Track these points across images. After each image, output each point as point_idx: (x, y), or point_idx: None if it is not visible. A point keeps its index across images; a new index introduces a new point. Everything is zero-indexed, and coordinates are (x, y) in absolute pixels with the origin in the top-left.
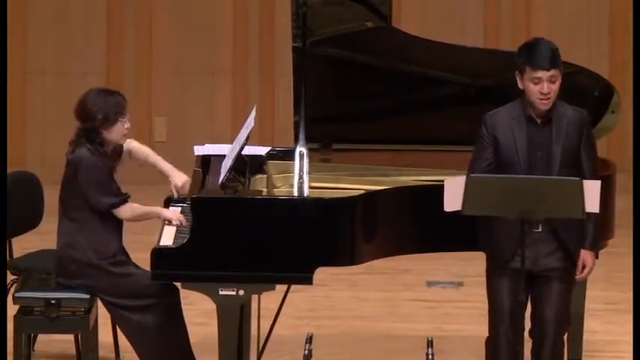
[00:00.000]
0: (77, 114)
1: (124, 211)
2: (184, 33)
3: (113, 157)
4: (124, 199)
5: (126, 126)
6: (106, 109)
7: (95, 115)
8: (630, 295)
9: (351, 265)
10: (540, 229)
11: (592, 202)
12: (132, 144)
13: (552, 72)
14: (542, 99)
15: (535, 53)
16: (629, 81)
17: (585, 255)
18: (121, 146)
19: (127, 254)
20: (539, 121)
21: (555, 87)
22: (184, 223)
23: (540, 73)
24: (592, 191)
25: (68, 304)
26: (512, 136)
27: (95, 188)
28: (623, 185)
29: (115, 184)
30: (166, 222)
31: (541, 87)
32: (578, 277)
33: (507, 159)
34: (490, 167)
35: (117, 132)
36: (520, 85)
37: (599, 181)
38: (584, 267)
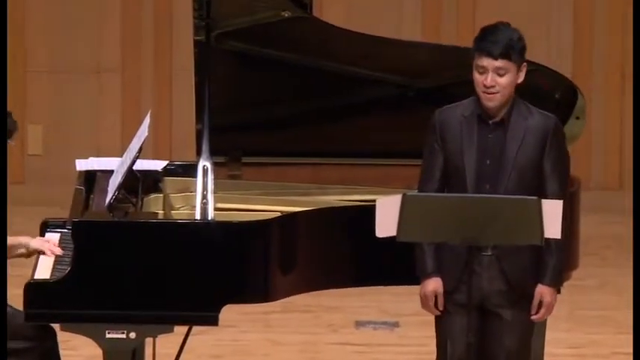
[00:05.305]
0: None
1: None
2: (63, 23)
3: None
4: None
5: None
6: None
7: None
8: (597, 337)
9: (265, 301)
10: (490, 252)
11: (552, 227)
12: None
13: (500, 62)
14: (486, 92)
15: (486, 37)
16: (598, 80)
17: (543, 291)
18: None
19: None
20: (490, 121)
21: (503, 81)
22: (60, 252)
23: (485, 61)
24: (553, 213)
25: None
26: (461, 139)
27: None
28: (588, 206)
29: None
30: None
31: (485, 78)
32: (535, 317)
33: (454, 167)
34: (443, 189)
35: None
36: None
37: (561, 201)
38: (540, 305)
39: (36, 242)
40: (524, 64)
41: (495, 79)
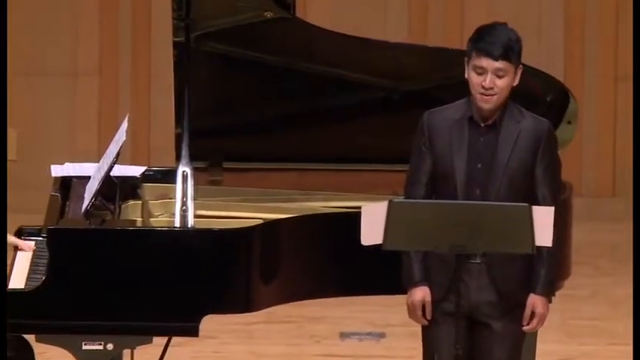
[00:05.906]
0: None
1: None
2: (39, 24)
3: None
4: None
5: None
6: None
7: None
8: (589, 348)
9: (247, 312)
10: (479, 261)
11: (544, 234)
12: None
13: (500, 64)
14: (483, 94)
15: (484, 37)
16: (589, 84)
17: (535, 301)
18: None
19: None
20: (482, 124)
21: (502, 83)
22: (34, 247)
23: (485, 62)
24: (544, 220)
25: None
26: (450, 143)
27: None
28: (580, 213)
29: None
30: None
31: (483, 79)
32: (527, 328)
33: (442, 171)
34: (430, 194)
35: None
36: (466, 75)
37: (553, 208)
38: (533, 315)
39: (12, 237)
40: (521, 66)
41: (494, 81)
